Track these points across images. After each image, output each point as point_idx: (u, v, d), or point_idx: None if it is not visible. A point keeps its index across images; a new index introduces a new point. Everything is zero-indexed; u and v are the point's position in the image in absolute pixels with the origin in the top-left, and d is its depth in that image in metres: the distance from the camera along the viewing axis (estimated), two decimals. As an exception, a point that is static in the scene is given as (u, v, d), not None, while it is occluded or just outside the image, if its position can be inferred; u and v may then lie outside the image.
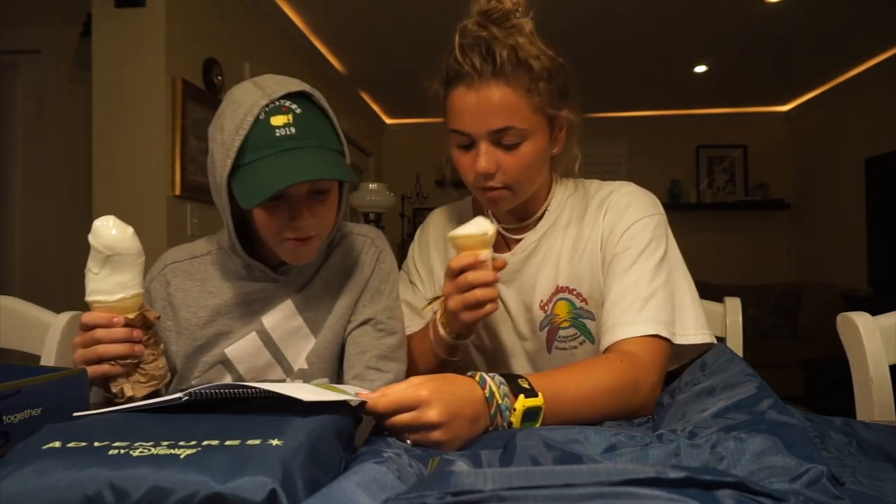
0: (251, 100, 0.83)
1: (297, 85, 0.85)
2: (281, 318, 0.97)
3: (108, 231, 0.75)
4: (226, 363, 0.95)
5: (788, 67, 4.34)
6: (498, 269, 0.86)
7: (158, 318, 0.82)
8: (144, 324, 0.78)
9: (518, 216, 1.03)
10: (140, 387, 0.78)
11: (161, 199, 2.39)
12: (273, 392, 0.56)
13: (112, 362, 0.76)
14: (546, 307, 1.01)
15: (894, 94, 4.03)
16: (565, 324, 1.00)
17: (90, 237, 0.75)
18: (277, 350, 0.97)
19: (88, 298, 0.75)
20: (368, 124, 5.53)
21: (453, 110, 0.92)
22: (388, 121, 5.89)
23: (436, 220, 1.17)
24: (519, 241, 1.04)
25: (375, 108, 5.51)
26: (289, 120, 0.83)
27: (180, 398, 0.58)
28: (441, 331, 0.94)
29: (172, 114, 2.42)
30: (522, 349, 1.04)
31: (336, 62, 4.28)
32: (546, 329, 1.01)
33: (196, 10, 2.60)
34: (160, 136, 2.38)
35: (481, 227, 0.85)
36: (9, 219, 3.00)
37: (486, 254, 0.84)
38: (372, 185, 3.63)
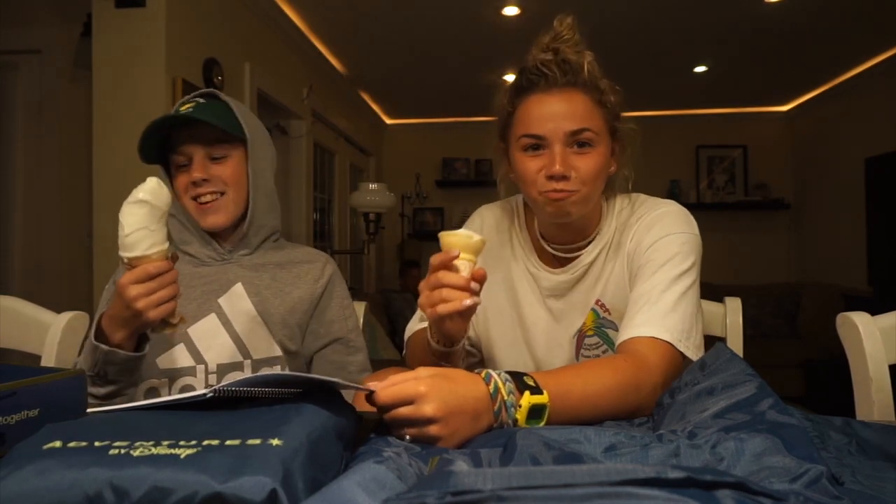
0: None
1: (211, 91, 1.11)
2: (235, 299, 1.11)
3: (164, 190, 0.84)
4: (187, 343, 1.07)
5: (788, 67, 4.34)
6: (476, 278, 0.80)
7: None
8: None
9: (571, 238, 1.04)
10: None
11: (161, 199, 2.39)
12: (297, 386, 0.57)
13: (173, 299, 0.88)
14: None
15: (894, 94, 4.03)
16: (590, 332, 1.04)
17: (150, 198, 0.82)
18: (234, 331, 1.09)
19: (148, 251, 0.83)
20: (368, 124, 5.52)
21: (527, 116, 0.95)
22: (388, 121, 5.87)
23: (487, 219, 1.14)
24: (572, 260, 1.05)
25: (375, 108, 5.50)
26: (191, 106, 1.05)
27: (205, 395, 0.57)
28: (429, 335, 0.91)
29: (172, 114, 2.42)
30: (560, 358, 1.07)
31: (336, 62, 4.27)
32: (576, 337, 1.05)
33: (196, 10, 2.60)
34: (160, 136, 2.38)
35: (470, 232, 0.81)
36: (9, 219, 3.00)
37: (464, 256, 0.80)
38: (372, 185, 3.62)
